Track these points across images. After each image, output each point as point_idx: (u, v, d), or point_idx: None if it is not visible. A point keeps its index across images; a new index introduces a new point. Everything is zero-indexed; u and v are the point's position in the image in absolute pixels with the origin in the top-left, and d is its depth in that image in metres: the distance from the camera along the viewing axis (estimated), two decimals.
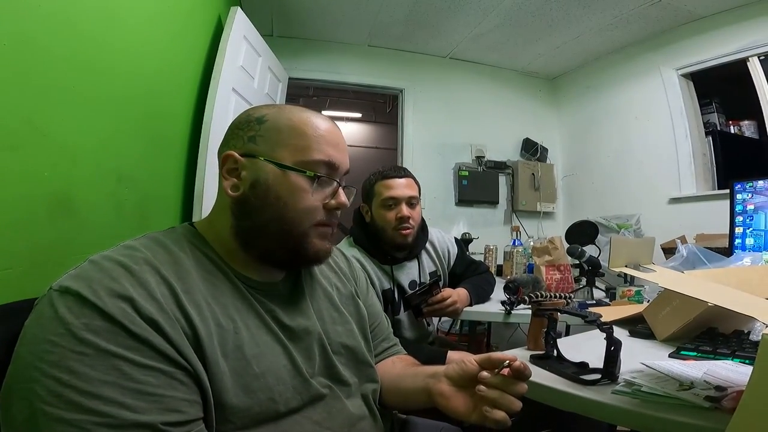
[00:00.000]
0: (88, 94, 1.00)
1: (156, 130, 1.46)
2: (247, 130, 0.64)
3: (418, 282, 1.50)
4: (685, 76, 2.91)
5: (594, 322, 0.75)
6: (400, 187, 1.43)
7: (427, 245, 1.58)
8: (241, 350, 0.56)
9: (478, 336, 2.65)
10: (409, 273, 1.50)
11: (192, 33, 1.80)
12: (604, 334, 0.71)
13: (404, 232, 1.41)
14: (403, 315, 1.47)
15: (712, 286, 0.60)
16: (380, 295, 1.40)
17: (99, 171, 1.07)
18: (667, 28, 2.91)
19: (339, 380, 0.68)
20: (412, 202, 1.44)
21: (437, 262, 1.59)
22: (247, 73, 2.22)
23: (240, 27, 2.10)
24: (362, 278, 0.89)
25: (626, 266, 0.64)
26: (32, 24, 0.80)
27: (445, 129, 3.55)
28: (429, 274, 1.55)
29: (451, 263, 1.63)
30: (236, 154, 0.63)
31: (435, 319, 1.79)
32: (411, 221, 1.42)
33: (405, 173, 1.47)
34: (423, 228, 1.55)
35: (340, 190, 0.66)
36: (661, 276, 0.61)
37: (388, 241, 1.43)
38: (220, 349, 0.54)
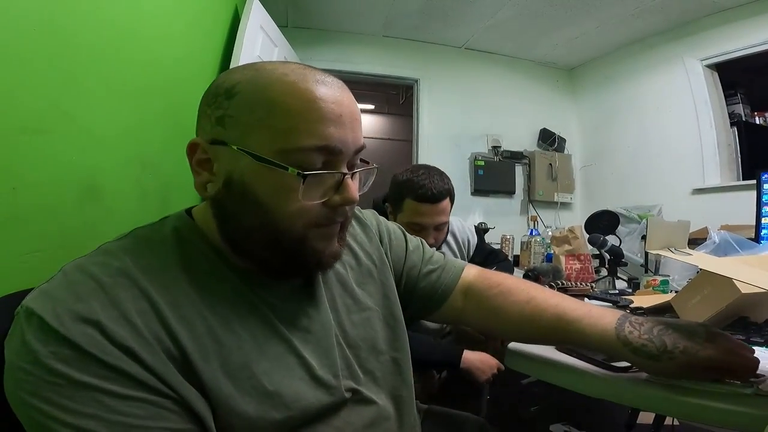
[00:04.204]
0: (111, 82, 1.01)
1: (177, 119, 1.47)
2: (214, 107, 0.49)
3: None
4: (709, 66, 2.85)
5: (626, 308, 0.73)
6: (432, 214, 1.25)
7: (449, 236, 1.56)
8: (248, 368, 0.47)
9: None
10: None
11: (210, 23, 1.81)
12: None
13: None
14: None
15: (753, 270, 0.58)
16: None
17: (124, 158, 1.09)
18: (690, 18, 2.84)
19: (359, 378, 0.58)
20: (440, 227, 1.31)
21: (458, 252, 1.58)
22: None
23: (256, 17, 2.10)
24: (385, 235, 0.75)
25: (663, 249, 0.62)
26: (59, 14, 0.81)
27: (460, 119, 3.52)
28: None
29: (471, 253, 1.61)
30: (203, 142, 0.50)
31: None
32: (434, 245, 1.30)
33: (442, 195, 1.24)
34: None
35: (347, 182, 0.50)
36: (701, 259, 0.59)
37: None
38: (221, 369, 0.46)
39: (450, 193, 1.29)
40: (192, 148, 0.51)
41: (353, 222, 0.71)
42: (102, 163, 0.98)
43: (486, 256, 1.64)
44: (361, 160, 0.55)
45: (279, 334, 0.52)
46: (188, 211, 0.56)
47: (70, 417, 0.39)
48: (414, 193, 1.22)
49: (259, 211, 0.48)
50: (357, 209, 0.73)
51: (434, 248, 1.26)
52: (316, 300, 0.58)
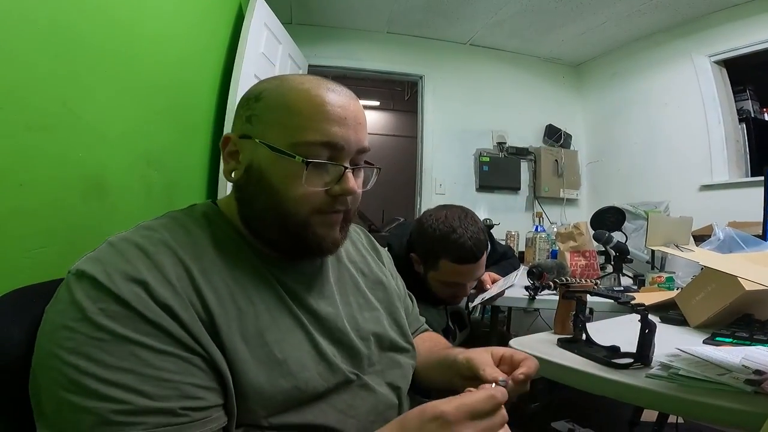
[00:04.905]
0: (116, 81, 1.02)
1: (182, 117, 1.48)
2: (246, 108, 0.59)
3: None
4: (718, 62, 2.82)
5: (627, 304, 0.73)
6: (472, 272, 1.17)
7: None
8: (262, 336, 0.53)
9: (498, 324, 2.62)
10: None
11: (214, 21, 1.81)
12: (637, 318, 0.69)
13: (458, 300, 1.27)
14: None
15: (756, 267, 0.58)
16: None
17: (129, 155, 1.09)
18: (698, 14, 2.82)
19: (365, 368, 0.63)
20: (478, 277, 1.26)
21: None
22: (268, 60, 2.23)
23: (261, 14, 2.10)
24: (395, 273, 0.85)
25: (664, 245, 0.62)
26: (64, 13, 0.82)
27: (465, 115, 3.52)
28: None
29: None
30: (234, 136, 0.59)
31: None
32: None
33: (480, 251, 1.15)
34: None
35: (348, 175, 0.57)
36: (702, 255, 0.59)
37: (437, 298, 1.26)
38: (240, 334, 0.51)
39: (486, 244, 1.19)
40: (225, 141, 0.60)
41: (368, 245, 0.82)
42: (107, 160, 0.99)
43: (499, 258, 1.63)
44: (366, 162, 0.63)
45: (289, 309, 0.58)
46: (213, 202, 0.64)
47: (106, 372, 0.42)
48: (452, 255, 1.14)
49: (270, 194, 0.56)
50: (371, 237, 0.84)
51: None
52: (324, 288, 0.65)
